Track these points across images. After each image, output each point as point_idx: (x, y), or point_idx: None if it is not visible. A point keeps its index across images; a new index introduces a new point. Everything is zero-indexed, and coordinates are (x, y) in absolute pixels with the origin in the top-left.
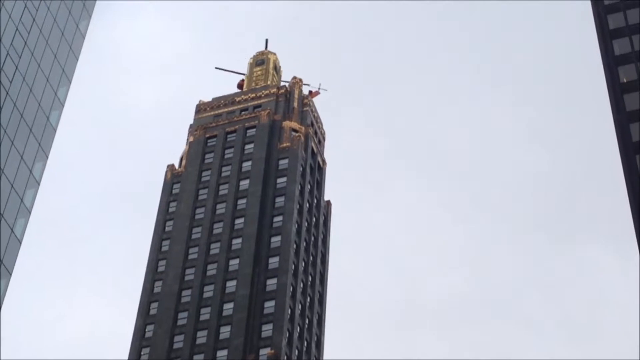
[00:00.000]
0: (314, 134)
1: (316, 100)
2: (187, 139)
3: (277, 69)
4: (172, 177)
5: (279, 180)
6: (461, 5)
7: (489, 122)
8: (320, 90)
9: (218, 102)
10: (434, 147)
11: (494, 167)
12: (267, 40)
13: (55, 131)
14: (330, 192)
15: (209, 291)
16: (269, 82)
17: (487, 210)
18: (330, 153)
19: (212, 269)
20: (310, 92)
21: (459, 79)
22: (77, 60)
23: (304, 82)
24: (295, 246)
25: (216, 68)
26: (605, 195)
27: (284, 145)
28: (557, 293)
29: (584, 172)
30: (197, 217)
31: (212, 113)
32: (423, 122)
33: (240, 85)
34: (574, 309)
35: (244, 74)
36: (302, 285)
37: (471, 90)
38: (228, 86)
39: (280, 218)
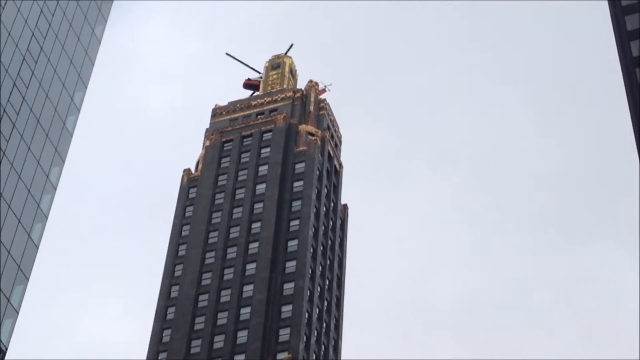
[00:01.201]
0: (330, 138)
1: (331, 102)
2: (203, 143)
3: (292, 72)
4: (189, 182)
5: (296, 184)
6: (472, 4)
7: (500, 119)
8: (327, 88)
9: (234, 106)
10: (446, 146)
11: (505, 165)
12: (291, 45)
13: (72, 136)
14: (346, 196)
15: (226, 295)
16: (285, 86)
17: (498, 208)
18: (346, 156)
19: (229, 273)
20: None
21: (470, 77)
22: (93, 65)
23: (319, 85)
24: (312, 250)
25: (227, 54)
26: (617, 192)
27: (301, 149)
28: (569, 292)
29: (596, 169)
30: (213, 221)
31: (228, 117)
32: (434, 121)
33: (246, 85)
34: (586, 308)
35: (253, 69)
36: (319, 289)
37: (482, 88)
38: (245, 90)
39: (297, 222)
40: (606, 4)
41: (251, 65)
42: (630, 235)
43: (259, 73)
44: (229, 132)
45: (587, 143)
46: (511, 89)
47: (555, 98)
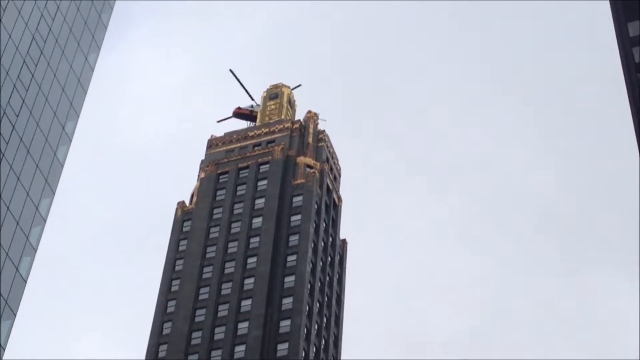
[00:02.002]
0: (330, 170)
1: (329, 132)
2: (198, 175)
3: (291, 102)
4: (183, 215)
5: (293, 218)
6: (471, 14)
7: (500, 140)
8: (319, 121)
9: (230, 137)
10: (448, 167)
11: (506, 191)
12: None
13: (63, 167)
14: (345, 230)
15: (220, 333)
16: (282, 116)
17: (500, 237)
18: (346, 188)
19: (223, 310)
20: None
21: (469, 97)
22: (86, 93)
23: (319, 117)
24: (309, 286)
25: (230, 71)
26: (621, 216)
27: (299, 181)
28: (569, 320)
29: (598, 188)
30: (208, 255)
31: (224, 148)
32: (434, 147)
33: (236, 113)
34: (589, 335)
35: (250, 95)
36: (316, 327)
37: (480, 106)
38: (242, 121)
39: (294, 257)
40: (608, 10)
41: (249, 91)
42: (632, 261)
43: (254, 101)
44: (225, 163)
45: (589, 160)
46: (510, 104)
47: (556, 112)
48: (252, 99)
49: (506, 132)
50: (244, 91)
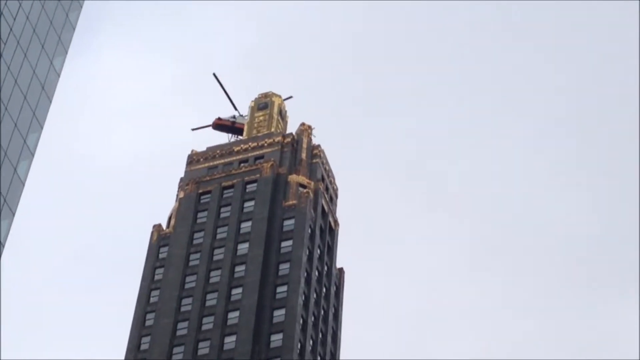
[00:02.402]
0: (325, 190)
1: (326, 149)
2: (177, 195)
3: (282, 113)
4: (159, 239)
5: (284, 244)
6: (471, 34)
7: (509, 164)
8: (314, 135)
9: (213, 152)
10: (451, 194)
11: (514, 215)
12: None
13: (24, 185)
14: (342, 257)
15: None
16: (272, 129)
17: (507, 265)
18: (343, 211)
19: (204, 347)
20: None
21: (485, 108)
22: (51, 102)
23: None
24: (301, 321)
25: (214, 75)
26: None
27: (290, 203)
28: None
29: (617, 218)
30: (187, 286)
31: (206, 165)
32: (438, 167)
33: (217, 125)
34: None
35: (233, 104)
36: None
37: (489, 127)
38: (223, 133)
39: (284, 288)
40: (624, 31)
41: (232, 99)
42: None
43: (237, 110)
44: (207, 182)
45: (607, 188)
46: (522, 126)
47: (570, 134)
48: (236, 109)
49: (522, 153)
50: (227, 98)
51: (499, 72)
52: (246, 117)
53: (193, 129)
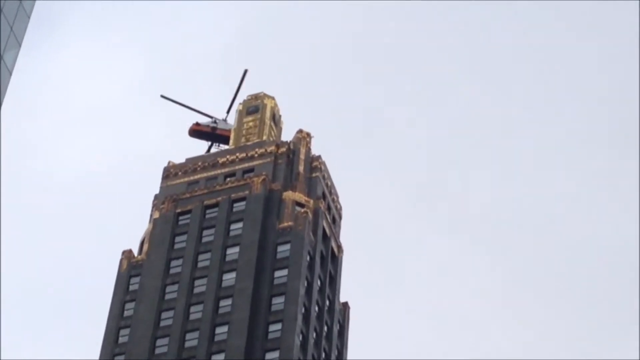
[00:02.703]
0: (327, 210)
1: (328, 160)
2: (151, 215)
3: (275, 118)
4: (129, 268)
5: (278, 273)
6: (483, 38)
7: (531, 175)
8: (313, 143)
9: (194, 164)
10: (482, 211)
11: (540, 239)
12: (245, 72)
13: None
14: (347, 289)
15: None
16: (265, 137)
17: (548, 304)
18: (348, 234)
19: None
20: None
21: (491, 115)
22: (0, 105)
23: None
24: None
25: (162, 97)
26: None
27: (285, 224)
28: None
29: None
30: (162, 323)
31: (185, 179)
32: (454, 179)
33: (193, 131)
34: None
35: (201, 112)
36: None
37: (509, 130)
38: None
39: (278, 326)
40: None
41: (198, 109)
42: None
43: (210, 117)
44: (187, 199)
45: None
46: (547, 126)
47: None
48: (209, 116)
49: (547, 162)
50: (193, 111)
51: (509, 73)
52: (229, 122)
53: (162, 96)
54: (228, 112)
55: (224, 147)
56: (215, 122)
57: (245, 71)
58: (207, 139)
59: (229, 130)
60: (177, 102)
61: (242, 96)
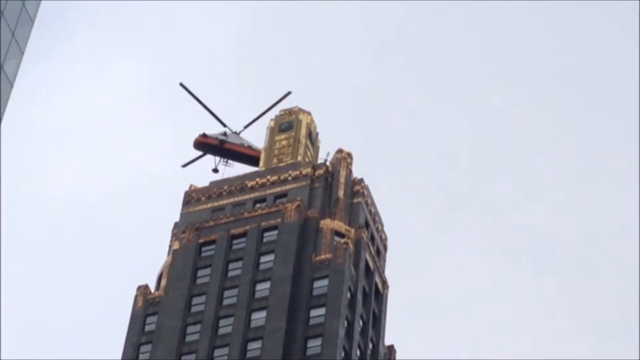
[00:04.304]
0: (370, 241)
1: (370, 182)
2: (170, 246)
3: (312, 137)
4: (145, 306)
5: (314, 312)
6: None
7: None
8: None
9: (219, 189)
10: (545, 242)
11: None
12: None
13: None
14: (393, 331)
15: None
16: (299, 158)
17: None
18: (395, 268)
19: None
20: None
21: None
22: (1, 119)
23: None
24: None
25: (181, 85)
26: None
27: (323, 257)
28: None
29: None
30: None
31: (209, 205)
32: (531, 206)
33: (199, 143)
34: None
35: (222, 122)
36: None
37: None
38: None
39: None
40: None
41: (215, 113)
42: None
43: (226, 127)
44: (210, 228)
45: None
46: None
47: None
48: (225, 125)
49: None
50: (209, 112)
51: (544, 72)
52: (240, 134)
53: (183, 165)
54: (246, 127)
55: (228, 162)
56: (225, 134)
57: (288, 93)
58: (213, 153)
59: (240, 146)
60: (194, 96)
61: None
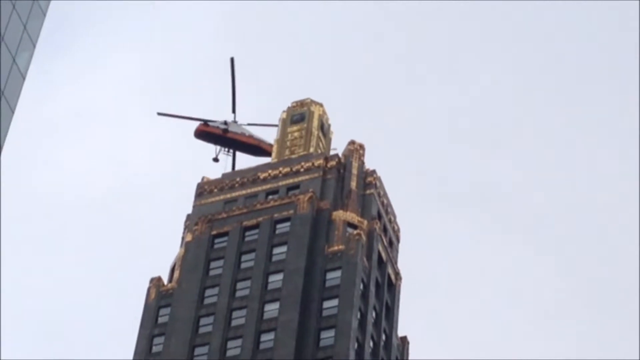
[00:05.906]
0: (383, 232)
1: (382, 173)
2: (182, 238)
3: (324, 128)
4: (159, 298)
5: (327, 304)
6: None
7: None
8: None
9: (231, 181)
10: (558, 233)
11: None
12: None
13: None
14: (406, 322)
15: None
16: (311, 150)
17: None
18: (408, 259)
19: None
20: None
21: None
22: (13, 113)
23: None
24: None
25: (158, 114)
26: None
27: (335, 248)
28: None
29: None
30: None
31: (221, 197)
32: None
33: (200, 132)
34: None
35: (233, 104)
36: None
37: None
38: (247, 156)
39: None
40: None
41: (201, 118)
42: None
43: (225, 125)
44: (223, 220)
45: None
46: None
47: None
48: (212, 121)
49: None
50: (232, 94)
51: (559, 72)
52: (242, 125)
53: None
54: (233, 110)
55: (224, 150)
56: (225, 123)
57: (232, 59)
58: (215, 143)
59: (241, 135)
60: (175, 116)
61: (239, 89)
